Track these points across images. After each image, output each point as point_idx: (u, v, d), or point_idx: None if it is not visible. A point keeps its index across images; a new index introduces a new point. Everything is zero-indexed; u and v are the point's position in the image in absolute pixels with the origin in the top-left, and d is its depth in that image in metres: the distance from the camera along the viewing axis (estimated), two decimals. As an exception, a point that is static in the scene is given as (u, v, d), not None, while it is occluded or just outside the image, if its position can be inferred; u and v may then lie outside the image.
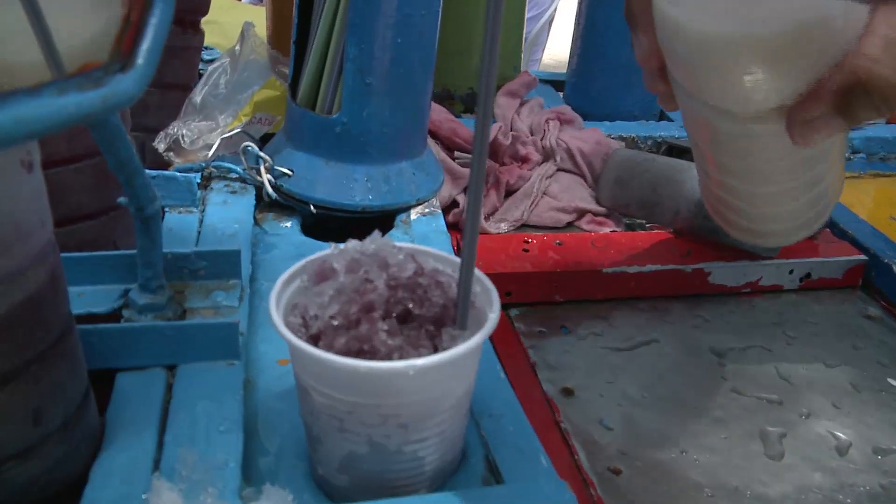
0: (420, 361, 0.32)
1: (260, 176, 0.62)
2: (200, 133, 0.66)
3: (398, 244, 0.38)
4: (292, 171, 0.62)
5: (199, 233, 0.57)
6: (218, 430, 0.39)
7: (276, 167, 0.62)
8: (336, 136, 0.61)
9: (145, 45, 0.27)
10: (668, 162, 0.73)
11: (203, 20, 0.81)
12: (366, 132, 0.61)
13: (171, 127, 0.66)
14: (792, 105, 0.41)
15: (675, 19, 0.42)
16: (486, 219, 0.73)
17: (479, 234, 0.34)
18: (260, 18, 0.83)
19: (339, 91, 0.60)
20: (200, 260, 0.49)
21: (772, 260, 0.67)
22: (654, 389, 0.55)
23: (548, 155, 0.78)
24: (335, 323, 0.34)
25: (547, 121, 0.81)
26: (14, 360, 0.32)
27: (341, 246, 0.38)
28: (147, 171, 0.42)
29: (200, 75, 0.74)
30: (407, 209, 0.64)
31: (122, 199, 0.42)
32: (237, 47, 0.72)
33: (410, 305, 0.36)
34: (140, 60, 0.27)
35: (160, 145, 0.65)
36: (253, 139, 0.64)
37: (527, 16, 1.38)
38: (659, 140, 0.89)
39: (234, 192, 0.63)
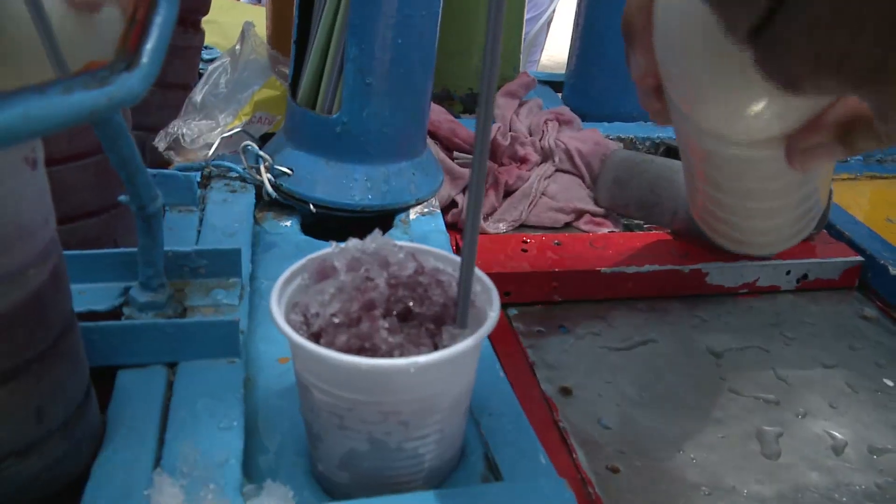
0: (421, 359, 0.32)
1: (260, 175, 0.62)
2: (201, 132, 0.66)
3: (399, 243, 0.39)
4: (292, 170, 0.62)
5: (199, 231, 0.58)
6: (218, 428, 0.39)
7: (276, 166, 0.62)
8: (336, 136, 0.61)
9: (150, 44, 0.27)
10: (666, 163, 0.73)
11: (202, 20, 0.81)
12: (366, 132, 0.61)
13: (171, 126, 0.66)
14: (793, 133, 0.41)
15: (680, 40, 0.41)
16: (485, 219, 0.73)
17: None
18: (258, 18, 0.83)
19: (340, 91, 0.61)
20: (201, 258, 0.49)
21: (769, 261, 0.67)
22: (652, 389, 0.55)
23: (546, 155, 0.79)
24: (336, 321, 0.35)
25: (546, 121, 0.82)
26: (16, 357, 0.32)
27: (342, 245, 0.38)
28: (147, 169, 0.42)
29: (200, 75, 0.74)
30: (406, 209, 0.64)
31: (123, 197, 0.42)
32: (237, 47, 0.72)
33: (411, 304, 0.37)
34: (145, 59, 0.27)
35: (160, 144, 0.65)
36: (253, 138, 0.64)
37: (525, 17, 1.39)
38: (657, 141, 0.90)
39: (234, 191, 0.64)
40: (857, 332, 0.64)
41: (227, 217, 0.59)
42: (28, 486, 0.34)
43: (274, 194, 0.62)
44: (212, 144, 0.65)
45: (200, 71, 0.77)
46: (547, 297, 0.64)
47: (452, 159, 0.76)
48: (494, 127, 0.79)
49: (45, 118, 0.24)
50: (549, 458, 0.40)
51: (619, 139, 0.88)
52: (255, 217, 0.62)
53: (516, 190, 0.76)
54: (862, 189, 0.90)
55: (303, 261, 0.38)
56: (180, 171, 0.62)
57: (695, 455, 0.49)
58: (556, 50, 3.10)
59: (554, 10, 2.56)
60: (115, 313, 0.46)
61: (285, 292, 0.37)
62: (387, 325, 0.34)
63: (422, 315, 0.37)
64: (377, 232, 0.39)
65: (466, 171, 0.74)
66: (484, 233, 0.71)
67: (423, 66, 0.61)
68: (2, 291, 0.31)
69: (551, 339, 0.60)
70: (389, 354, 0.34)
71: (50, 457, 0.35)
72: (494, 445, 0.40)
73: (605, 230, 0.74)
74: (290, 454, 0.40)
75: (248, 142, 0.63)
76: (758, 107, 0.40)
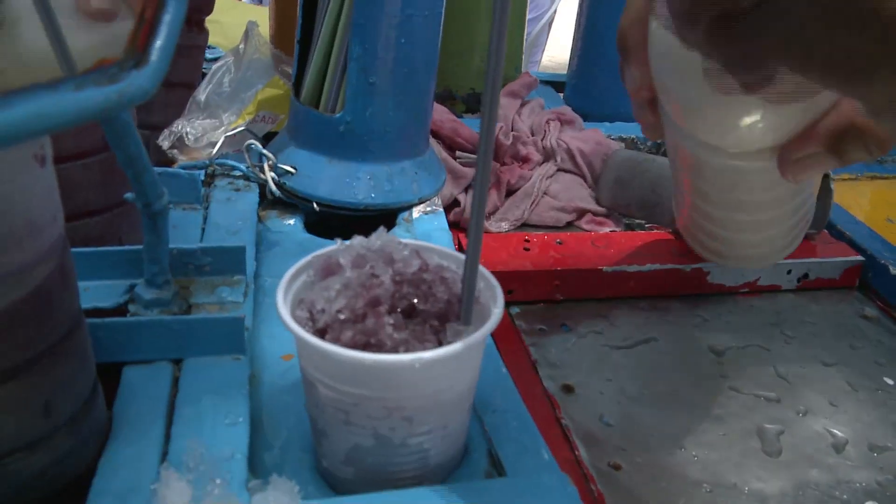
0: (426, 355, 0.32)
1: (263, 174, 0.63)
2: (204, 131, 0.66)
3: (403, 241, 0.39)
4: (295, 168, 0.62)
5: (203, 229, 0.58)
6: (224, 423, 0.39)
7: (279, 165, 0.62)
8: (339, 135, 0.61)
9: (159, 42, 0.28)
10: (667, 163, 0.73)
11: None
12: (369, 131, 0.61)
13: (175, 125, 0.67)
14: (786, 144, 0.42)
15: (676, 53, 0.41)
16: (487, 218, 0.73)
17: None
18: (260, 18, 0.83)
19: (343, 90, 0.61)
20: (206, 256, 0.49)
21: (770, 260, 0.68)
22: (654, 387, 0.55)
23: (548, 155, 0.79)
24: (342, 317, 0.35)
25: (547, 121, 0.82)
26: (25, 352, 0.33)
27: (347, 242, 0.39)
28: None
29: (203, 74, 0.75)
30: (409, 207, 0.64)
31: (129, 195, 0.43)
32: (241, 46, 0.72)
33: (415, 301, 0.37)
34: (154, 57, 0.27)
35: (164, 143, 0.66)
36: (256, 137, 0.64)
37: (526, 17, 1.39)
38: (658, 141, 0.90)
39: (237, 190, 0.64)
40: (857, 332, 0.64)
41: (231, 215, 0.60)
42: (35, 481, 0.35)
43: (277, 193, 0.63)
44: (215, 143, 0.66)
45: (203, 70, 0.77)
46: (549, 295, 0.64)
47: (455, 159, 0.76)
48: (497, 127, 0.79)
49: (57, 115, 0.24)
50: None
51: (621, 139, 0.88)
52: (258, 215, 0.62)
53: (518, 189, 0.76)
54: (863, 189, 0.90)
55: (308, 258, 0.39)
56: (184, 169, 0.63)
57: (696, 452, 0.50)
58: (556, 51, 3.11)
59: (555, 11, 2.56)
60: (120, 310, 0.46)
61: (291, 289, 0.37)
62: (392, 321, 0.35)
63: (426, 312, 0.37)
64: (382, 229, 0.39)
65: (469, 171, 0.74)
66: (486, 232, 0.71)
67: (425, 65, 0.62)
68: (11, 287, 0.31)
69: (553, 338, 0.60)
70: (394, 350, 0.34)
71: (57, 452, 0.35)
72: (498, 442, 0.40)
73: (607, 229, 0.74)
74: (295, 450, 0.41)
75: (252, 140, 0.63)
76: (751, 118, 0.41)
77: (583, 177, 0.79)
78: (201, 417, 0.40)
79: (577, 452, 0.49)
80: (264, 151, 0.63)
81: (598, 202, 0.77)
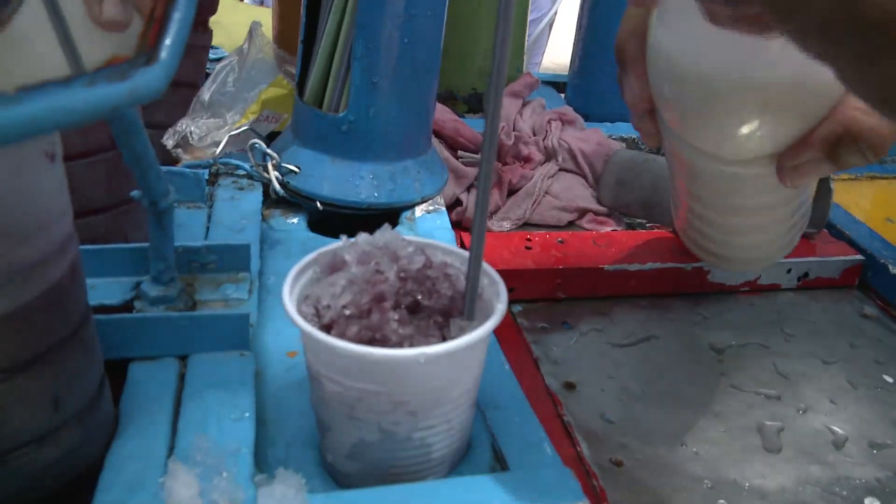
0: (431, 349, 0.33)
1: (267, 173, 0.63)
2: (208, 130, 0.66)
3: (408, 238, 0.39)
4: (299, 168, 0.63)
5: (208, 228, 0.58)
6: (230, 418, 0.40)
7: (283, 164, 0.63)
8: (342, 134, 0.62)
9: (168, 39, 0.28)
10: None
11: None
12: (372, 130, 0.62)
13: (179, 124, 0.67)
14: (783, 151, 0.42)
15: (674, 64, 0.42)
16: (489, 217, 0.74)
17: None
18: (262, 19, 0.84)
19: (346, 89, 0.61)
20: (211, 253, 0.50)
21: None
22: (655, 384, 0.56)
23: (550, 155, 0.79)
24: (347, 312, 0.35)
25: (549, 121, 0.82)
26: (35, 346, 0.33)
27: (352, 239, 0.39)
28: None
29: (207, 74, 0.75)
30: (412, 206, 0.65)
31: (135, 193, 0.43)
32: (245, 46, 0.73)
33: (420, 297, 0.37)
34: (164, 54, 0.27)
35: (169, 142, 0.66)
36: (260, 136, 0.65)
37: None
38: (658, 147, 0.90)
39: (241, 189, 0.64)
40: (857, 330, 0.65)
41: (235, 214, 0.60)
42: (44, 474, 0.35)
43: (281, 192, 0.63)
44: (219, 142, 0.66)
45: (207, 70, 0.77)
46: (551, 294, 0.64)
47: (457, 158, 0.76)
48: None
49: (71, 111, 0.24)
50: (554, 450, 0.40)
51: (622, 139, 0.89)
52: (262, 214, 0.63)
53: (520, 189, 0.76)
54: (862, 189, 0.91)
55: (313, 254, 0.39)
56: (188, 168, 0.63)
57: (697, 449, 0.50)
58: (556, 54, 3.11)
59: (556, 13, 2.57)
60: (126, 307, 0.47)
61: (297, 285, 0.38)
62: (397, 316, 0.35)
63: (430, 308, 0.37)
64: (387, 226, 0.39)
65: (471, 170, 0.75)
66: (488, 231, 0.72)
67: (428, 65, 0.62)
68: (22, 282, 0.32)
69: (555, 336, 0.61)
70: (399, 345, 0.35)
71: (65, 445, 0.35)
72: (501, 436, 0.41)
73: (608, 229, 0.75)
74: (300, 445, 0.41)
75: (256, 140, 0.64)
76: (749, 127, 0.41)
77: (584, 177, 0.79)
78: (207, 412, 0.40)
79: (578, 448, 0.49)
80: (268, 151, 0.63)
81: (599, 202, 0.78)
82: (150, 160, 0.40)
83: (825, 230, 0.74)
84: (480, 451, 0.41)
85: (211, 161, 0.65)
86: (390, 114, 0.61)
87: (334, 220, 0.64)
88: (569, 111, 0.85)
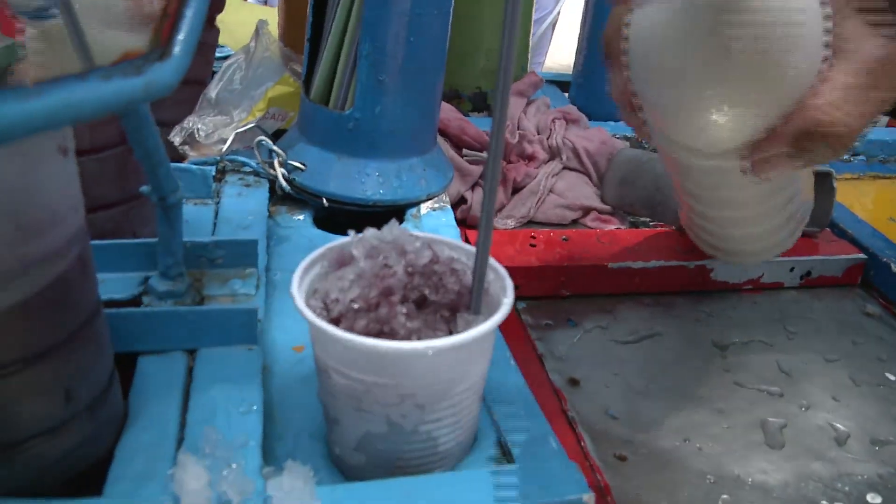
0: (438, 342, 0.33)
1: (273, 170, 0.64)
2: (215, 127, 0.67)
3: (415, 233, 0.40)
4: (305, 165, 0.63)
5: (215, 224, 0.59)
6: (238, 412, 0.40)
7: (289, 161, 0.63)
8: (348, 132, 0.62)
9: (182, 35, 0.28)
10: (672, 161, 0.74)
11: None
12: (378, 128, 0.62)
13: (186, 121, 0.68)
14: (754, 144, 0.43)
15: (646, 58, 0.43)
16: (494, 215, 0.74)
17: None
18: (267, 18, 0.84)
19: (353, 87, 0.62)
20: (218, 249, 0.50)
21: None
22: (658, 381, 0.56)
23: (554, 153, 0.80)
24: (356, 306, 0.36)
25: (553, 120, 0.83)
26: (46, 338, 0.33)
27: (360, 235, 0.39)
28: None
29: (214, 72, 0.76)
30: (417, 204, 0.65)
31: (144, 188, 0.43)
32: (251, 44, 0.73)
33: (427, 292, 0.38)
34: (177, 49, 0.28)
35: (176, 139, 0.66)
36: (266, 134, 0.65)
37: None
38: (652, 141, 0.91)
39: (248, 185, 0.65)
40: (859, 328, 0.65)
41: (242, 210, 0.61)
42: (55, 465, 0.35)
43: (287, 189, 0.63)
44: (226, 140, 0.66)
45: (214, 69, 0.78)
46: (555, 291, 0.65)
47: (462, 157, 0.77)
48: (503, 125, 0.80)
49: (86, 104, 0.25)
50: (559, 444, 0.41)
51: (626, 138, 0.89)
52: (268, 211, 0.63)
53: (524, 187, 0.77)
54: (865, 189, 0.91)
55: (322, 249, 0.39)
56: (195, 165, 0.63)
57: (700, 445, 0.50)
58: (559, 55, 3.11)
59: (559, 13, 2.57)
60: (135, 301, 0.47)
61: (305, 279, 0.38)
62: (405, 310, 0.36)
63: (437, 303, 0.38)
64: (394, 221, 0.40)
65: (476, 168, 0.75)
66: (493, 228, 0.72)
67: (434, 63, 0.62)
68: (35, 275, 0.32)
69: (559, 332, 0.61)
70: (407, 338, 0.35)
71: (76, 437, 0.36)
72: (506, 430, 0.41)
73: (612, 227, 0.75)
74: (307, 439, 0.42)
75: (262, 137, 0.64)
76: (718, 118, 0.42)
77: (588, 175, 0.80)
78: (215, 406, 0.40)
79: (583, 444, 0.49)
80: (274, 148, 0.64)
81: (602, 200, 0.78)
82: (160, 156, 0.40)
83: (828, 229, 0.74)
84: (486, 444, 0.41)
85: (218, 158, 0.66)
86: (396, 111, 0.62)
87: (340, 216, 0.64)
88: (573, 110, 0.86)
